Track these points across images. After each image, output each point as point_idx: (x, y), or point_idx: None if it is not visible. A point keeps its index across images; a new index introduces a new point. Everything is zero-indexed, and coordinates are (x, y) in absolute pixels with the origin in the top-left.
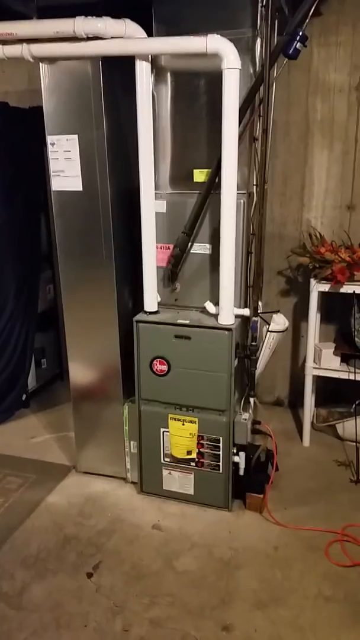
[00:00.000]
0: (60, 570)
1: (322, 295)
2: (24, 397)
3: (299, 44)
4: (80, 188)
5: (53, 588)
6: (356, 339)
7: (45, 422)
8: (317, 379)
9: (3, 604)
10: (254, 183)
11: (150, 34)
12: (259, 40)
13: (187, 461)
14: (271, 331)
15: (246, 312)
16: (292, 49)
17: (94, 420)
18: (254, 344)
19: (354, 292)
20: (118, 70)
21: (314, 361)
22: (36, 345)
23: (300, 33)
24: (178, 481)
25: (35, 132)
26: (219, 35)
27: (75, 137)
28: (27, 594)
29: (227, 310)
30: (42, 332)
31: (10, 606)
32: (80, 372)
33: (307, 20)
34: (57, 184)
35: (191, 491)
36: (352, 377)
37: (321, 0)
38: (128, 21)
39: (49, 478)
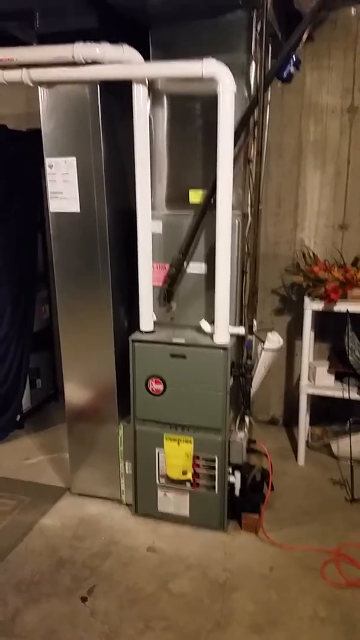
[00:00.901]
0: (54, 594)
1: (316, 313)
2: (18, 417)
3: (292, 68)
4: (77, 209)
5: (47, 613)
6: (350, 357)
7: (40, 443)
8: (312, 398)
9: None
10: (249, 203)
11: (147, 58)
12: (253, 64)
13: (183, 482)
14: (266, 349)
15: (241, 330)
16: (286, 73)
17: (89, 441)
18: (249, 362)
19: (347, 310)
20: (115, 94)
21: (309, 379)
22: (31, 366)
23: (294, 57)
24: (173, 502)
25: (33, 153)
26: (214, 60)
27: (74, 159)
28: (20, 619)
29: (223, 329)
30: (37, 352)
31: (2, 633)
32: (75, 392)
33: (301, 46)
34: (55, 205)
35: (186, 512)
36: (346, 395)
37: (313, 26)
38: (126, 46)
39: (43, 500)
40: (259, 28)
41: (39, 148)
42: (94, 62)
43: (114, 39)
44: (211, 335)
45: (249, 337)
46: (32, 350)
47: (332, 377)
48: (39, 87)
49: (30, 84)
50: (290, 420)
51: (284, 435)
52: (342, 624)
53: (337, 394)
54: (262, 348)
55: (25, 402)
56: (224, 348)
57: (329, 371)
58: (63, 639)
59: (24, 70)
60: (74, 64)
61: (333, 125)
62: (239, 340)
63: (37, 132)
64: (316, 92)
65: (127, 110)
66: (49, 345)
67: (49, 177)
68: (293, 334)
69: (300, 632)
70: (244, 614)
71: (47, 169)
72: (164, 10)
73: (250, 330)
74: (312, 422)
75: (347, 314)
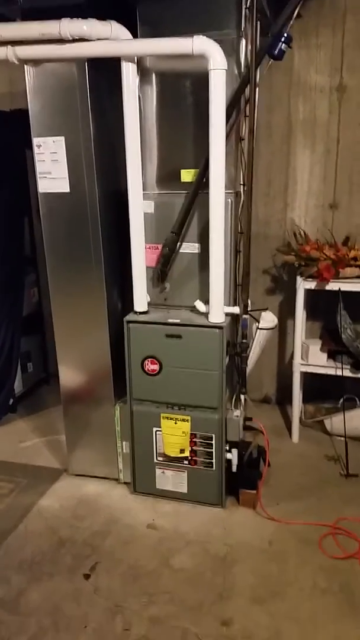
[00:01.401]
0: (56, 573)
1: (307, 292)
2: (11, 401)
3: (284, 45)
4: (67, 189)
5: (50, 591)
6: (342, 336)
7: (33, 427)
8: (304, 376)
9: (0, 609)
10: (241, 182)
11: (135, 35)
12: (243, 41)
13: (180, 459)
14: (261, 328)
15: (236, 310)
16: (277, 50)
17: (85, 422)
18: (244, 341)
19: (339, 289)
20: (103, 72)
21: (302, 358)
22: (21, 349)
23: (285, 34)
24: (171, 480)
25: (17, 134)
26: (205, 37)
27: (62, 138)
28: (24, 598)
29: (218, 309)
30: (27, 336)
31: (7, 611)
32: (70, 375)
33: (291, 22)
34: (44, 185)
35: (184, 489)
36: (339, 372)
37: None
38: (114, 23)
39: (41, 482)
40: (248, 4)
41: (24, 128)
42: (82, 39)
43: (100, 16)
44: (206, 315)
45: (244, 316)
46: (22, 333)
47: (325, 355)
48: (25, 65)
49: (16, 62)
50: (283, 398)
51: (278, 413)
52: (342, 593)
53: (330, 371)
54: (257, 327)
55: (17, 386)
56: (220, 327)
57: (322, 349)
58: (68, 616)
59: (9, 47)
60: (60, 40)
61: (322, 104)
62: (234, 319)
63: (22, 113)
64: (305, 71)
65: (115, 89)
66: (38, 328)
67: (37, 157)
68: (285, 314)
69: (302, 601)
70: (246, 586)
71: (35, 149)
72: None
73: (245, 309)
74: (305, 400)
75: (339, 292)
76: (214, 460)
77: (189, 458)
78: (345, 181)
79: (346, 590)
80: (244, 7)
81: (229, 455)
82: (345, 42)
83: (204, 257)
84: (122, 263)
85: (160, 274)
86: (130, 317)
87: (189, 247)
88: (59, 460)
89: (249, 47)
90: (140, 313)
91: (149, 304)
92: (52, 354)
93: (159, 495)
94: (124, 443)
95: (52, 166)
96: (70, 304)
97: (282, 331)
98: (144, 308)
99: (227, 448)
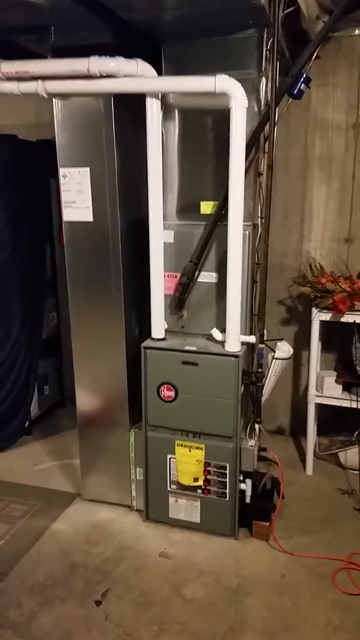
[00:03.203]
0: (68, 598)
1: (322, 324)
2: (26, 424)
3: (303, 85)
4: (91, 219)
5: (62, 616)
6: (357, 367)
7: (49, 450)
8: (319, 407)
9: (11, 632)
10: (259, 215)
11: (159, 72)
12: (263, 81)
13: (194, 488)
14: (277, 358)
15: (252, 339)
16: (296, 90)
17: (100, 447)
18: (260, 370)
19: (354, 321)
20: (128, 106)
21: (317, 389)
22: (39, 372)
23: (304, 75)
24: (184, 509)
25: (42, 163)
26: (227, 75)
27: (87, 169)
28: (36, 622)
29: (234, 337)
30: (44, 359)
31: (18, 635)
32: (87, 399)
33: (310, 63)
34: (69, 214)
35: (197, 519)
36: (354, 405)
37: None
38: (140, 61)
39: (54, 506)
40: (269, 46)
41: (48, 158)
42: (109, 76)
43: (127, 53)
44: (222, 344)
45: (260, 345)
46: (40, 357)
47: (340, 387)
48: (53, 99)
49: (45, 95)
50: (297, 430)
51: (292, 444)
52: (356, 631)
53: (345, 403)
54: (273, 357)
55: (33, 409)
56: (236, 356)
57: (337, 381)
58: None
59: (40, 82)
60: (88, 77)
61: (338, 140)
62: (249, 348)
63: (46, 143)
64: (322, 109)
65: (139, 123)
66: (56, 352)
67: (62, 187)
68: (300, 344)
69: (314, 638)
70: (258, 619)
71: (61, 179)
72: (176, 27)
73: (260, 338)
74: (319, 432)
75: (354, 324)
76: (227, 491)
77: (203, 487)
78: None
79: None
80: (264, 48)
81: (242, 486)
82: None
83: (221, 286)
84: (141, 290)
85: (178, 301)
86: (147, 343)
87: (207, 277)
88: (72, 484)
89: (269, 86)
90: (158, 339)
91: (166, 330)
92: (69, 377)
93: (171, 524)
94: (137, 470)
95: (77, 196)
96: (89, 329)
97: (297, 362)
98: (162, 335)
99: (241, 478)
